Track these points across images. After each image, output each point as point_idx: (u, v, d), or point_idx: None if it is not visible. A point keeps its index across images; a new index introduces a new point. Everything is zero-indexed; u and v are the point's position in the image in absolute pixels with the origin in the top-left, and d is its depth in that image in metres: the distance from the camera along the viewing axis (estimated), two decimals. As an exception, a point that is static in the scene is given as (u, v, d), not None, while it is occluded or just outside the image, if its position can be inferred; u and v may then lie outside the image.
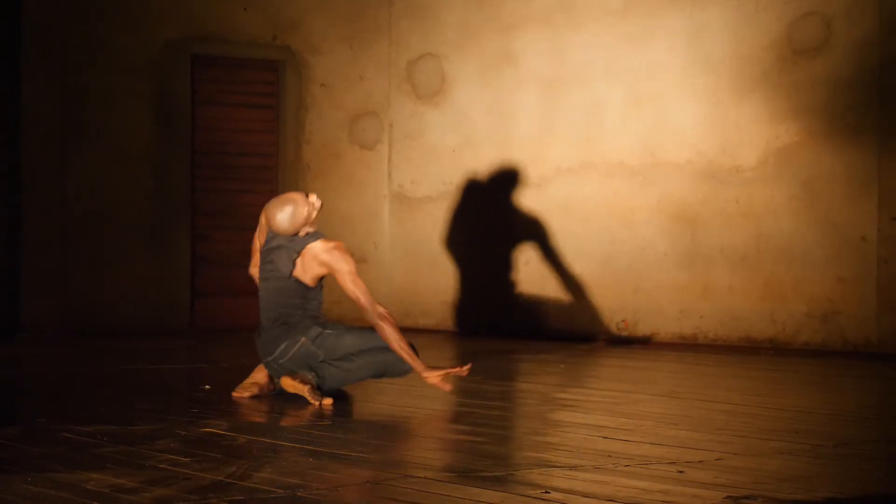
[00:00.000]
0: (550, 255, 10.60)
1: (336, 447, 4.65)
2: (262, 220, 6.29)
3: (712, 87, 9.61)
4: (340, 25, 11.69)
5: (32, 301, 10.30)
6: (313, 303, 6.15)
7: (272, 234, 6.16)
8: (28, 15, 10.35)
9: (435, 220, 11.46)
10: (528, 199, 10.79)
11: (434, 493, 3.75)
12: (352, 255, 6.13)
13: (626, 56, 10.15)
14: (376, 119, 11.86)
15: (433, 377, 5.96)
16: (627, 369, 8.14)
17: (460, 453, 4.63)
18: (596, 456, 4.42)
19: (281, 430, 5.22)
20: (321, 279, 6.15)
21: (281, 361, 6.07)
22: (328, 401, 5.89)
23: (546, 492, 3.77)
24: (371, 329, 6.02)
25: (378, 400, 6.14)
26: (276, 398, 6.13)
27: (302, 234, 6.10)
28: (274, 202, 6.11)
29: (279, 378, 6.10)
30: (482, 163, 11.16)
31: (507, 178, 10.96)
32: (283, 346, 6.05)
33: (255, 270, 6.43)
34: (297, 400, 6.04)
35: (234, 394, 6.13)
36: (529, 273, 10.73)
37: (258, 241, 6.40)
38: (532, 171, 10.78)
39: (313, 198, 6.11)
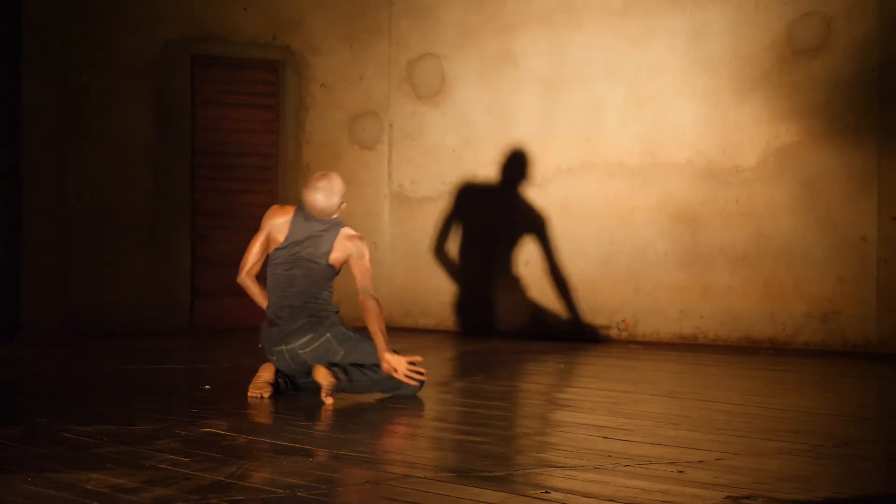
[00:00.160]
0: (550, 255, 10.60)
1: (336, 447, 4.65)
2: (274, 221, 6.32)
3: (712, 87, 9.61)
4: (340, 25, 11.69)
5: (32, 301, 10.30)
6: (331, 294, 6.29)
7: (299, 224, 6.22)
8: (28, 15, 10.35)
9: (435, 220, 11.46)
10: (528, 199, 10.79)
11: (434, 493, 3.75)
12: None
13: (626, 56, 10.15)
14: (376, 119, 11.86)
15: (393, 360, 6.04)
16: (627, 369, 8.14)
17: (460, 453, 4.63)
18: (596, 456, 4.42)
19: (281, 430, 5.22)
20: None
21: (301, 352, 6.12)
22: (329, 400, 5.94)
23: (546, 492, 3.77)
24: (359, 344, 6.15)
25: (378, 400, 6.14)
26: (277, 398, 6.13)
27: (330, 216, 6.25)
28: (318, 175, 6.29)
29: (290, 368, 6.16)
30: (482, 163, 11.16)
31: (506, 179, 10.96)
32: (306, 338, 6.12)
33: (246, 278, 6.45)
34: (298, 400, 6.04)
35: (250, 394, 6.11)
36: (529, 273, 10.73)
37: (257, 246, 6.41)
38: (532, 171, 10.78)
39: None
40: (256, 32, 11.36)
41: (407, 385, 6.19)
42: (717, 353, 9.06)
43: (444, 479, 3.98)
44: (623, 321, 10.12)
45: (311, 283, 6.20)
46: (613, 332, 10.17)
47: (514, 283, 10.86)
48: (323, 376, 6.00)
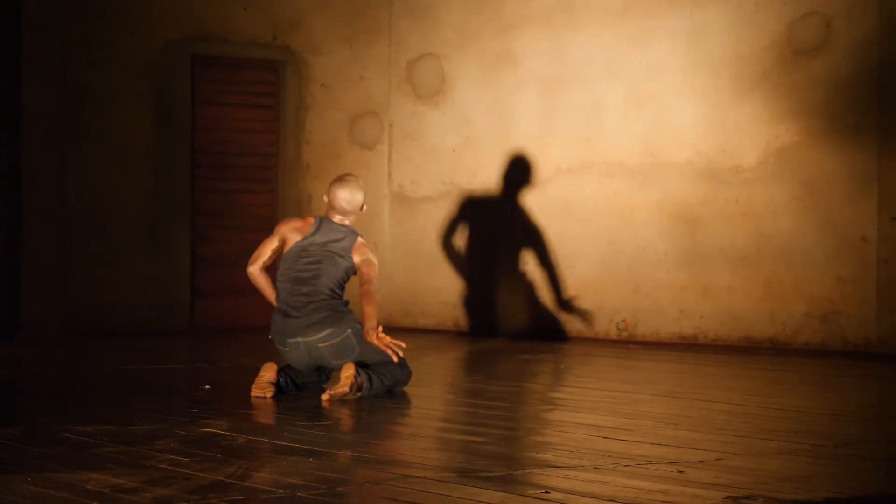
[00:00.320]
0: (550, 255, 10.60)
1: (336, 447, 4.65)
2: (292, 225, 6.43)
3: (712, 87, 9.61)
4: (340, 25, 11.69)
5: (32, 301, 10.30)
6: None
7: (318, 228, 6.34)
8: (28, 15, 10.35)
9: (435, 220, 11.46)
10: (528, 199, 10.79)
11: (434, 493, 3.75)
12: None
13: (626, 56, 10.15)
14: (376, 119, 11.86)
15: (375, 337, 6.04)
16: (627, 369, 8.14)
17: (460, 453, 4.63)
18: (596, 456, 4.42)
19: (281, 430, 5.22)
20: None
21: (320, 346, 6.17)
22: (326, 396, 6.01)
23: (546, 492, 3.77)
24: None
25: (378, 400, 6.14)
26: (278, 398, 6.13)
27: (349, 221, 6.43)
28: (344, 174, 6.58)
29: (303, 361, 6.21)
30: (482, 163, 11.16)
31: (506, 179, 10.96)
32: (327, 332, 6.17)
33: (257, 270, 6.45)
34: (298, 400, 6.05)
35: (254, 394, 6.11)
36: (529, 273, 10.73)
37: (271, 244, 6.45)
38: (532, 171, 10.78)
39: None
40: (256, 32, 11.36)
41: (401, 381, 6.30)
42: (717, 353, 9.05)
43: (444, 479, 3.98)
44: (623, 321, 10.13)
45: (334, 278, 6.29)
46: (613, 332, 10.17)
47: (515, 283, 10.86)
48: (350, 375, 6.04)
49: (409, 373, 6.39)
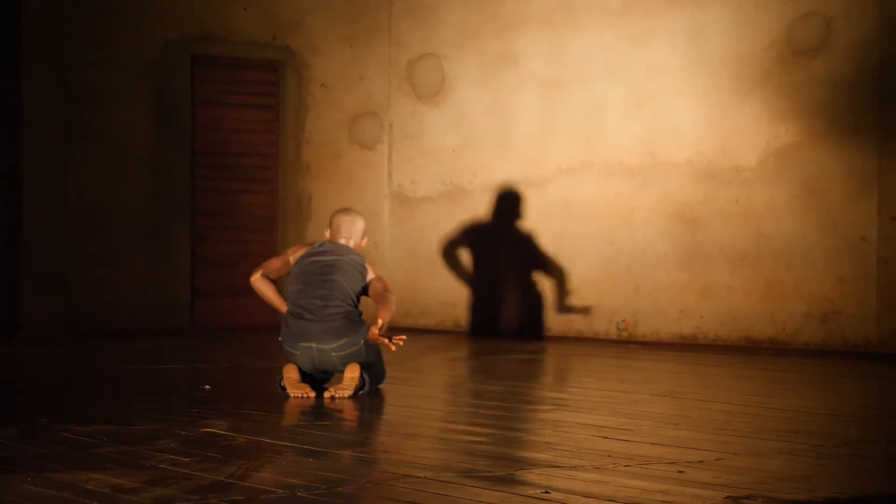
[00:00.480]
0: (550, 255, 10.60)
1: (336, 447, 4.65)
2: (290, 258, 6.49)
3: (712, 87, 9.61)
4: (340, 25, 11.69)
5: (32, 301, 10.30)
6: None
7: (321, 246, 6.43)
8: (28, 15, 10.35)
9: (435, 220, 11.46)
10: (528, 199, 10.79)
11: (434, 493, 3.75)
12: None
13: (626, 56, 10.15)
14: (376, 119, 11.86)
15: (376, 333, 6.13)
16: (627, 369, 8.14)
17: (460, 453, 4.63)
18: (596, 456, 4.42)
19: (281, 430, 5.22)
20: None
21: (333, 354, 6.19)
22: (328, 395, 6.07)
23: (546, 492, 3.77)
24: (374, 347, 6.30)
25: (378, 400, 6.14)
26: (279, 398, 6.13)
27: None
28: (346, 207, 6.81)
29: (311, 365, 6.22)
30: (482, 163, 11.16)
31: (506, 178, 10.96)
32: (343, 341, 6.19)
33: (261, 279, 6.46)
34: (297, 399, 6.04)
35: (294, 394, 6.08)
36: (529, 273, 10.73)
37: (280, 260, 6.50)
38: (532, 171, 10.78)
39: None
40: (256, 32, 11.36)
41: (381, 380, 6.40)
42: (717, 353, 9.05)
43: (444, 479, 3.98)
44: (623, 321, 10.12)
45: (349, 283, 6.30)
46: (613, 332, 10.17)
47: (515, 283, 10.86)
48: (353, 378, 6.10)
49: (385, 372, 6.47)
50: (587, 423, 5.34)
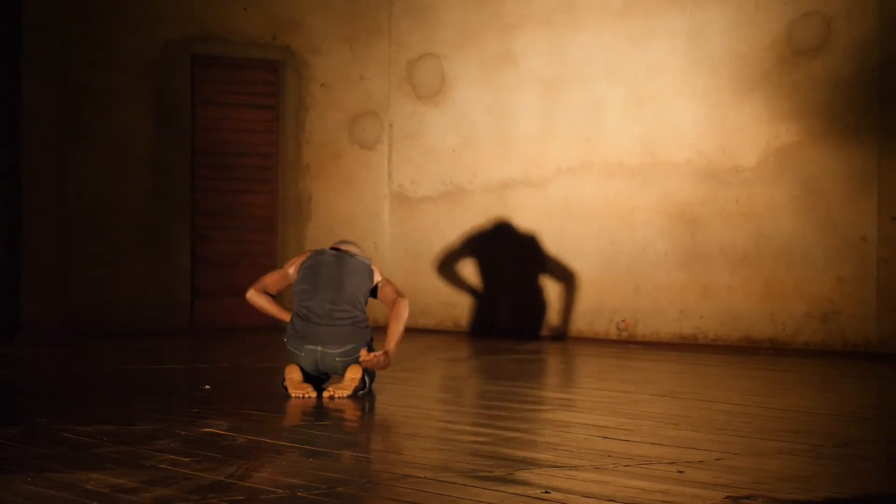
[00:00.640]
0: (550, 255, 10.60)
1: (336, 447, 4.65)
2: (290, 269, 6.48)
3: (712, 87, 9.61)
4: (340, 25, 11.69)
5: (32, 301, 10.30)
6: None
7: (321, 251, 6.44)
8: (28, 15, 10.35)
9: (435, 220, 11.46)
10: (528, 199, 10.79)
11: (434, 493, 3.75)
12: None
13: (626, 56, 10.15)
14: (376, 119, 11.86)
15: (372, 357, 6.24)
16: (627, 369, 8.14)
17: (460, 453, 4.63)
18: (596, 456, 4.42)
19: (281, 430, 5.22)
20: None
21: (337, 359, 6.19)
22: (327, 394, 6.07)
23: (546, 492, 3.77)
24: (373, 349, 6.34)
25: (378, 400, 6.15)
26: (279, 398, 6.13)
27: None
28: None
29: (313, 367, 6.22)
30: (482, 163, 11.16)
31: (506, 178, 10.96)
32: (349, 347, 6.19)
33: (256, 294, 6.45)
34: (298, 400, 6.04)
35: (296, 394, 6.08)
36: (529, 273, 10.73)
37: (277, 275, 6.49)
38: (532, 171, 10.78)
39: None
40: (256, 32, 11.36)
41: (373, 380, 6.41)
42: (717, 353, 9.05)
43: (444, 479, 3.98)
44: (623, 321, 10.12)
45: (358, 286, 6.28)
46: (613, 332, 10.17)
47: (515, 283, 10.86)
48: (354, 378, 6.11)
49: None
50: (587, 423, 5.34)
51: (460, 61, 11.36)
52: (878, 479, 4.20)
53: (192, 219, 11.03)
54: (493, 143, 11.07)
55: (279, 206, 11.42)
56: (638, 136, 10.06)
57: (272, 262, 11.01)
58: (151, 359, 8.45)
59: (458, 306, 11.27)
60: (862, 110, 8.82)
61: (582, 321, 10.38)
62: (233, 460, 4.26)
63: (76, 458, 4.29)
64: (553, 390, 7.28)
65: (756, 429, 5.17)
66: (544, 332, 10.57)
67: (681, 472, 4.11)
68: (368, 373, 6.25)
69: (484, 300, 11.12)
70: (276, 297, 6.52)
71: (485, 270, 11.13)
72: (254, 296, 6.46)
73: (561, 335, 10.43)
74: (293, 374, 6.16)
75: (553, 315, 10.56)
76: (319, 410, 5.74)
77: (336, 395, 6.03)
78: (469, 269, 11.23)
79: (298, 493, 3.70)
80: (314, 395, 6.08)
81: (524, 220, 10.80)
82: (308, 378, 6.27)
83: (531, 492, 3.77)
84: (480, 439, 4.92)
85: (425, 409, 6.08)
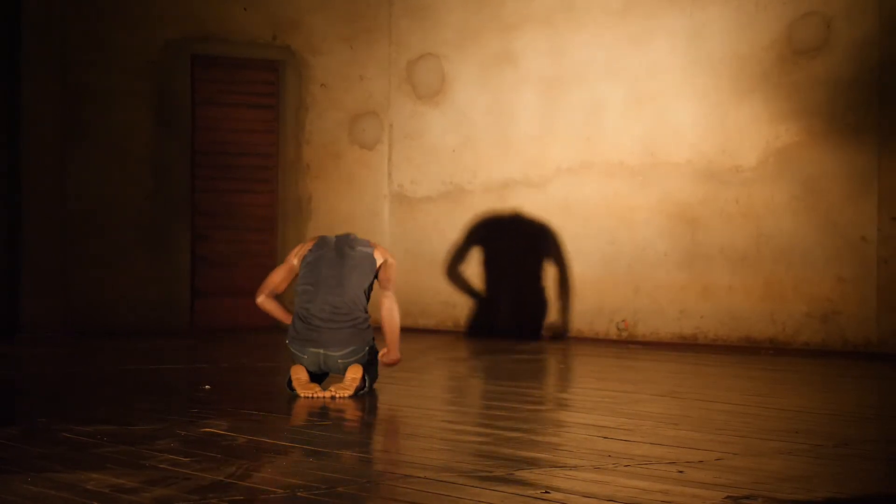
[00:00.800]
0: (550, 255, 10.60)
1: (336, 447, 4.65)
2: (294, 260, 6.44)
3: (712, 88, 9.61)
4: (340, 25, 11.69)
5: (32, 301, 10.30)
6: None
7: (326, 238, 6.41)
8: (28, 15, 10.35)
9: (435, 220, 11.46)
10: (527, 199, 10.79)
11: (434, 493, 3.75)
12: None
13: (626, 56, 10.15)
14: (376, 119, 11.86)
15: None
16: (627, 369, 8.14)
17: (460, 453, 4.63)
18: (596, 456, 4.42)
19: (281, 430, 5.22)
20: None
21: (339, 361, 6.19)
22: (329, 394, 6.08)
23: (546, 492, 3.77)
24: (374, 350, 6.36)
25: (378, 400, 6.15)
26: (279, 398, 6.13)
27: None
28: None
29: (316, 367, 6.23)
30: (482, 163, 11.16)
31: (506, 178, 10.96)
32: (349, 349, 6.19)
33: (266, 299, 6.45)
34: (298, 400, 6.04)
35: (305, 394, 6.08)
36: (529, 273, 10.73)
37: (282, 272, 6.46)
38: (532, 171, 10.78)
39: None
40: (256, 32, 11.36)
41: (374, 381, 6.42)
42: (717, 353, 9.05)
43: (444, 479, 3.98)
44: (623, 321, 10.12)
45: (360, 284, 6.27)
46: (613, 332, 10.17)
47: (514, 283, 10.86)
48: (355, 378, 6.13)
49: (378, 373, 6.51)
50: (587, 423, 5.34)
51: (460, 61, 11.36)
52: (878, 479, 4.20)
53: (192, 219, 11.03)
54: (493, 143, 11.07)
55: (279, 206, 11.42)
56: (638, 136, 10.06)
57: (272, 262, 11.00)
58: (151, 359, 8.45)
59: (458, 306, 11.26)
60: (862, 110, 8.82)
61: (582, 321, 10.38)
62: (233, 460, 4.26)
63: (76, 458, 4.29)
64: (553, 390, 7.28)
65: (756, 429, 5.17)
66: (544, 332, 10.58)
67: (681, 472, 4.11)
68: (369, 372, 6.26)
69: (484, 300, 11.12)
70: (283, 294, 6.53)
71: (485, 270, 11.13)
72: (264, 302, 6.46)
73: (561, 335, 10.43)
74: (300, 375, 6.16)
75: (553, 315, 10.56)
76: (320, 410, 5.75)
77: (338, 396, 6.04)
78: (469, 270, 11.23)
79: (298, 493, 3.70)
80: (322, 394, 6.08)
81: (524, 221, 10.80)
82: (312, 377, 6.27)
83: (531, 492, 3.77)
84: (480, 439, 4.92)
85: (425, 409, 6.08)
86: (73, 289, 10.47)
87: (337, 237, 6.43)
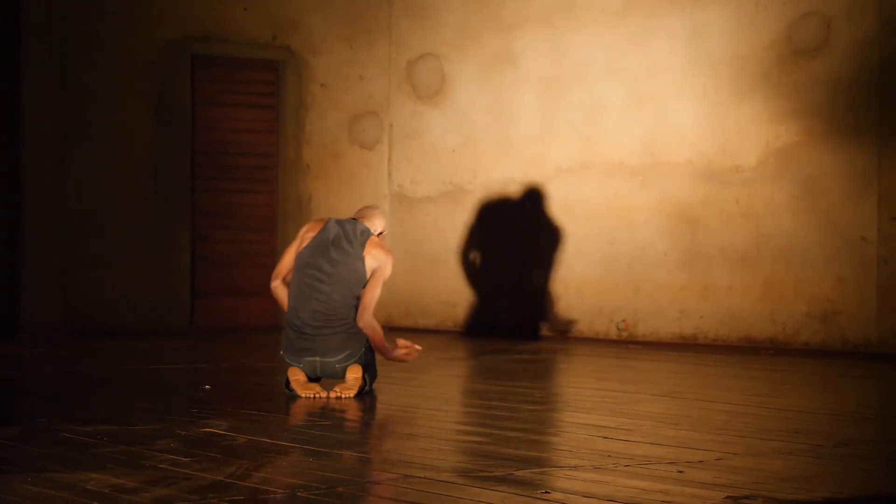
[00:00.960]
0: (550, 255, 10.60)
1: (336, 447, 4.65)
2: (309, 226, 6.44)
3: (712, 88, 9.61)
4: (340, 25, 11.69)
5: (32, 301, 10.30)
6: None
7: (333, 225, 6.32)
8: (28, 15, 10.35)
9: (435, 220, 11.46)
10: (527, 199, 10.79)
11: (434, 493, 3.75)
12: None
13: (626, 56, 10.15)
14: (376, 119, 11.86)
15: (399, 352, 6.35)
16: (627, 369, 8.14)
17: (460, 453, 4.63)
18: (596, 456, 4.42)
19: (281, 430, 5.22)
20: None
21: (336, 366, 6.20)
22: (332, 395, 6.08)
23: (546, 492, 3.77)
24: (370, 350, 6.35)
25: (378, 400, 6.15)
26: (279, 398, 6.13)
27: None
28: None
29: (314, 373, 6.22)
30: (482, 163, 11.16)
31: (506, 178, 10.96)
32: (346, 353, 6.19)
33: (280, 285, 6.41)
34: (297, 400, 6.04)
35: (306, 395, 6.07)
36: (529, 273, 10.73)
37: (293, 253, 6.41)
38: (532, 171, 10.78)
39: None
40: (256, 32, 11.36)
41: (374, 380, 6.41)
42: (717, 353, 9.05)
43: (444, 479, 3.98)
44: (623, 321, 10.12)
45: (349, 290, 6.23)
46: (613, 332, 10.17)
47: (514, 283, 10.86)
48: (356, 378, 6.13)
49: (377, 372, 6.48)
50: (587, 423, 5.34)
51: (460, 61, 11.36)
52: (878, 479, 4.20)
53: (192, 219, 11.03)
54: (493, 143, 11.07)
55: (279, 206, 11.42)
56: (638, 136, 10.06)
57: (272, 262, 10.95)
58: (151, 359, 8.45)
59: (457, 306, 11.26)
60: (862, 110, 8.82)
61: (582, 321, 10.38)
62: (233, 460, 4.26)
63: (76, 458, 4.29)
64: (553, 390, 7.28)
65: (756, 429, 5.17)
66: (544, 332, 10.57)
67: (681, 472, 4.11)
68: (369, 372, 6.25)
69: (484, 300, 11.12)
70: None
71: (484, 270, 11.13)
72: (277, 288, 6.43)
73: (562, 333, 10.43)
74: (298, 376, 6.16)
75: (553, 315, 10.55)
76: (319, 410, 5.75)
77: (343, 396, 6.05)
78: (469, 270, 11.23)
79: (298, 493, 3.70)
80: (324, 394, 6.07)
81: (524, 220, 10.80)
82: (310, 378, 6.27)
83: (531, 492, 3.77)
84: (480, 439, 4.92)
85: (425, 409, 6.08)
86: (73, 289, 10.47)
87: (341, 226, 6.33)
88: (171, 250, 10.93)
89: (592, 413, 5.74)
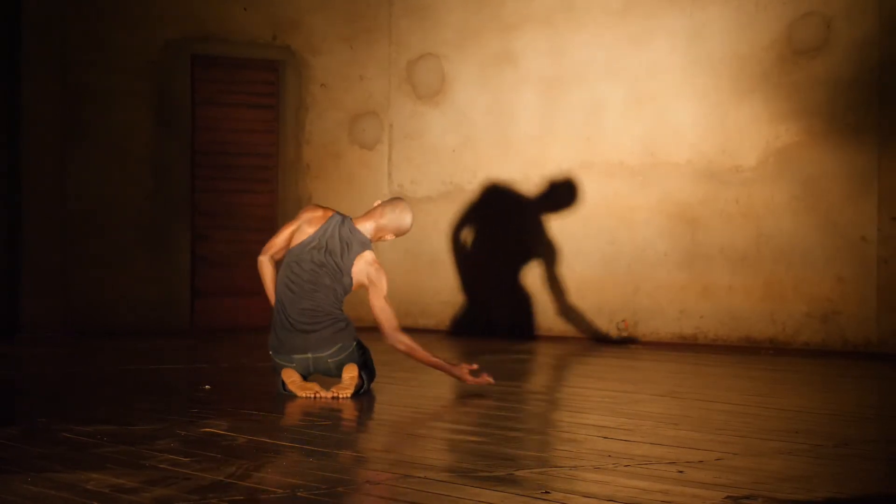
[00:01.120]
0: (550, 255, 10.60)
1: (336, 447, 4.65)
2: (311, 215, 6.36)
3: (712, 87, 9.61)
4: (340, 25, 11.69)
5: (32, 301, 10.30)
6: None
7: (334, 226, 6.27)
8: (28, 15, 10.35)
9: (435, 220, 11.46)
10: (527, 199, 10.79)
11: (434, 493, 3.75)
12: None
13: (626, 56, 10.15)
14: (376, 119, 11.86)
15: (468, 377, 6.38)
16: (627, 369, 8.14)
17: (460, 453, 4.63)
18: (596, 456, 4.42)
19: (281, 430, 5.22)
20: None
21: (329, 360, 6.18)
22: (330, 395, 6.07)
23: (546, 492, 3.77)
24: (365, 348, 6.35)
25: (378, 400, 6.15)
26: (279, 398, 6.13)
27: (376, 238, 6.37)
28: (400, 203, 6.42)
29: (307, 371, 6.21)
30: (482, 163, 11.16)
31: (506, 178, 10.96)
32: (336, 347, 6.18)
33: (268, 260, 6.37)
34: (297, 400, 6.04)
35: (304, 394, 6.06)
36: (529, 273, 10.73)
37: (287, 233, 6.36)
38: (532, 171, 10.78)
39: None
40: (256, 32, 11.36)
41: (372, 380, 6.39)
42: (717, 353, 9.05)
43: (444, 479, 3.98)
44: (623, 321, 10.12)
45: (333, 292, 6.23)
46: (613, 332, 10.17)
47: (515, 283, 10.86)
48: (353, 377, 6.12)
49: (375, 372, 6.46)
50: (587, 423, 5.34)
51: (460, 61, 11.36)
52: (878, 479, 4.20)
53: (192, 219, 11.03)
54: (493, 143, 11.07)
55: (279, 206, 11.42)
56: (638, 136, 10.07)
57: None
58: (151, 359, 8.45)
59: (457, 306, 11.27)
60: (862, 110, 8.82)
61: (582, 321, 10.37)
62: (233, 460, 4.26)
63: (76, 458, 4.29)
64: (553, 390, 7.28)
65: (756, 429, 5.17)
66: (544, 331, 10.57)
67: (681, 472, 4.11)
68: (366, 371, 6.25)
69: (484, 300, 11.12)
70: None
71: (484, 270, 11.13)
72: (264, 264, 6.37)
73: (563, 330, 10.43)
74: (293, 377, 6.15)
75: (552, 315, 10.55)
76: (320, 410, 5.74)
77: (340, 396, 6.04)
78: (469, 270, 11.23)
79: (298, 493, 3.70)
80: (323, 393, 6.07)
81: (524, 220, 10.80)
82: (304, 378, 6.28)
83: (531, 492, 3.77)
84: (480, 439, 4.91)
85: (425, 409, 6.08)
86: (73, 289, 10.47)
87: (340, 230, 6.29)
88: (171, 250, 10.93)
89: (592, 413, 5.74)
